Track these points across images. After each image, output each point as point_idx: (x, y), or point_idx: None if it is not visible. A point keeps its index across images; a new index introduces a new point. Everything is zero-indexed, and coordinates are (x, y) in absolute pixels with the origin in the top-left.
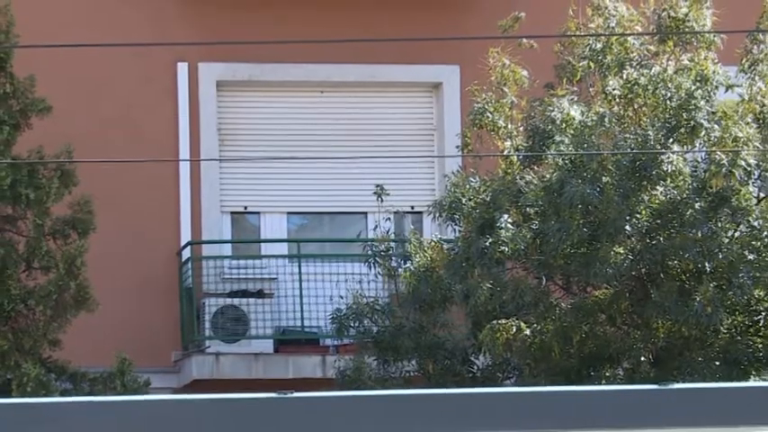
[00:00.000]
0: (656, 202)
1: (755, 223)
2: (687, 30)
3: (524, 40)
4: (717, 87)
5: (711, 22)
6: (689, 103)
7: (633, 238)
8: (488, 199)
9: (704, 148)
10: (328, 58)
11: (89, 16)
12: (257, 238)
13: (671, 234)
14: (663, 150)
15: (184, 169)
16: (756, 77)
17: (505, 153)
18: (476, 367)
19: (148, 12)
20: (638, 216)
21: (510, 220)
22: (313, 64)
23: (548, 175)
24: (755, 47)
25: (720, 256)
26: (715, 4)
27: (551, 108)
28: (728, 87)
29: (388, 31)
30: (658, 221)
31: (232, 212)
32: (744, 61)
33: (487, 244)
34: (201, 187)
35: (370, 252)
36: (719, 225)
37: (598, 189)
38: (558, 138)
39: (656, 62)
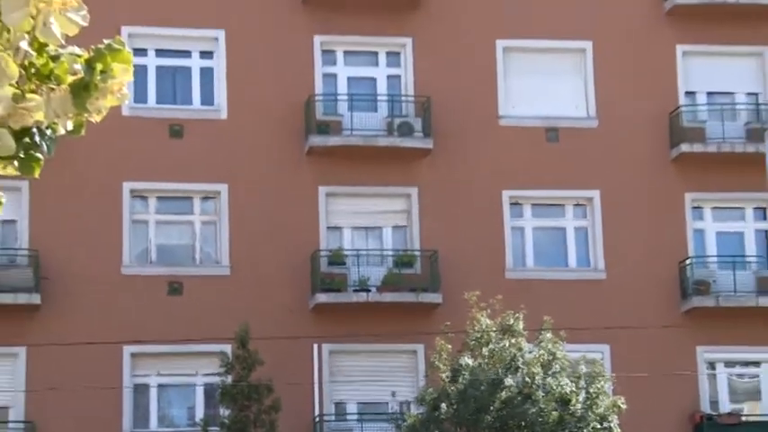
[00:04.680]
0: (505, 395)
1: (542, 405)
2: (508, 329)
3: (450, 333)
4: (527, 351)
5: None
6: (516, 358)
7: (496, 411)
8: (436, 397)
9: (522, 374)
10: (374, 338)
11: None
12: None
13: (512, 409)
14: (503, 377)
15: (316, 388)
16: (540, 348)
17: (443, 378)
18: None
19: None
20: (498, 400)
21: (445, 406)
22: (372, 344)
23: (461, 386)
24: (539, 336)
25: (537, 419)
26: None
27: (460, 361)
28: (531, 351)
29: (392, 329)
30: (506, 403)
31: (336, 403)
32: (536, 341)
33: (436, 415)
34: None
35: (392, 419)
36: (534, 405)
37: (480, 391)
38: (464, 372)
39: (501, 341)
